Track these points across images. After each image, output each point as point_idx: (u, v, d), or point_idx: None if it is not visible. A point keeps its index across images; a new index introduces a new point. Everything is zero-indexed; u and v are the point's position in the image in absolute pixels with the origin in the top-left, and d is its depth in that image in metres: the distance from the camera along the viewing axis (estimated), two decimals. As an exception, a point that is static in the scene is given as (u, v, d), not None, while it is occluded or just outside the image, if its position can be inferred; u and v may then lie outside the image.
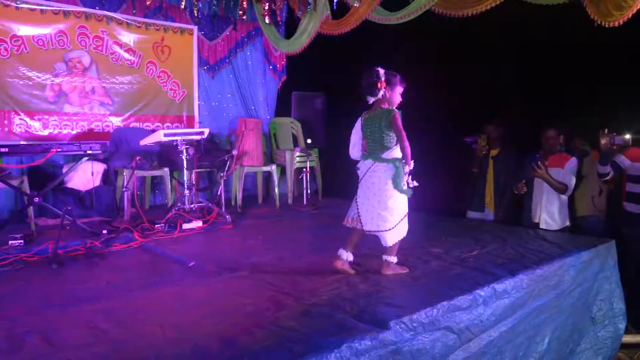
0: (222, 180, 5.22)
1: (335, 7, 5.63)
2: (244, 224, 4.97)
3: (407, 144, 3.12)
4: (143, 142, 4.85)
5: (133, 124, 6.06)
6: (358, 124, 3.34)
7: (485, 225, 4.86)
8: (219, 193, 5.26)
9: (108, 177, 5.34)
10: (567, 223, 4.62)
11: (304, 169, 5.79)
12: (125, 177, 5.12)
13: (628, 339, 3.98)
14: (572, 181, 4.51)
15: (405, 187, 3.13)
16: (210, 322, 2.45)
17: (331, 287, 2.98)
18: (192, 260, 3.58)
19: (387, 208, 3.14)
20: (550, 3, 4.47)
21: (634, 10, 3.87)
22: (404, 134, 3.12)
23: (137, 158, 4.82)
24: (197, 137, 4.86)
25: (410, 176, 3.16)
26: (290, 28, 6.72)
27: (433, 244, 4.01)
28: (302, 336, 2.26)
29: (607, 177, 4.50)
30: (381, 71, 3.16)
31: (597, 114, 5.18)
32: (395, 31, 5.64)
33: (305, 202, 5.74)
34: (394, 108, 3.20)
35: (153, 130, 6.05)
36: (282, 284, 3.05)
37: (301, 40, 6.33)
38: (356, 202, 3.27)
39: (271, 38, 6.79)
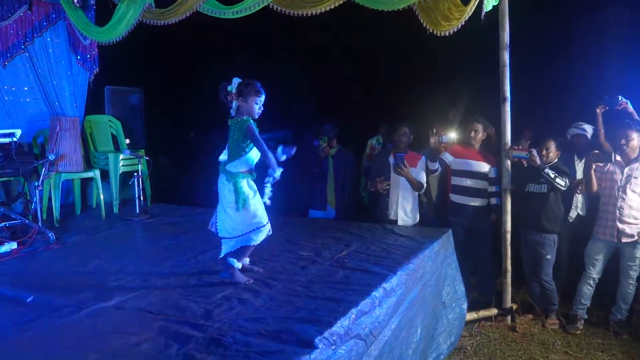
0: (38, 191, 4.34)
1: (166, -6, 5.10)
2: (73, 241, 4.21)
3: (267, 152, 3.06)
4: None
5: None
6: None
7: (333, 222, 4.95)
8: (32, 207, 4.38)
9: None
10: (418, 218, 4.96)
11: (135, 173, 5.16)
12: None
13: (468, 317, 4.45)
14: (425, 178, 4.85)
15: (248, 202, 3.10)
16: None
17: (225, 306, 2.69)
18: (27, 294, 2.89)
19: (232, 218, 3.13)
20: (387, 9, 4.72)
21: (462, 22, 4.30)
22: (261, 143, 3.07)
23: None
24: (6, 140, 3.95)
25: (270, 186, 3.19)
26: (102, 13, 5.89)
27: (299, 247, 3.94)
28: (231, 372, 1.97)
29: (436, 173, 4.98)
30: (232, 83, 3.13)
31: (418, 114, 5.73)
32: (233, 25, 5.39)
33: (138, 211, 5.13)
34: (249, 117, 3.11)
35: None
36: (166, 310, 2.64)
37: (119, 29, 5.59)
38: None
39: (79, 24, 5.86)
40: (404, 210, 4.86)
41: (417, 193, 4.85)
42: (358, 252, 3.76)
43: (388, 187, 4.80)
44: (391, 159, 4.82)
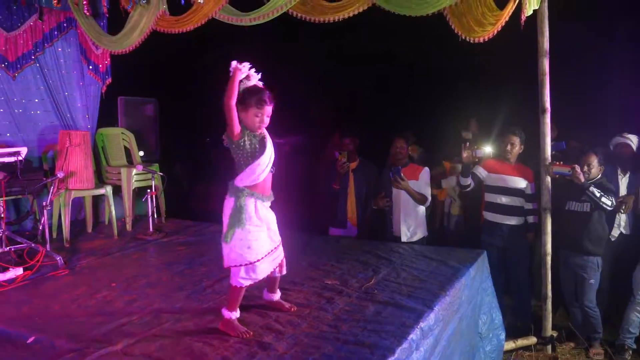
0: (46, 211, 4.10)
1: (183, 1, 4.85)
2: (82, 265, 3.95)
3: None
4: None
5: None
6: None
7: (357, 243, 4.63)
8: (41, 227, 4.14)
9: None
10: (426, 233, 4.67)
11: (149, 190, 4.91)
12: None
13: (505, 346, 4.11)
14: (429, 191, 4.59)
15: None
16: None
17: (244, 352, 2.41)
18: (28, 334, 2.63)
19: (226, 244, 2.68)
20: (415, 14, 4.41)
21: (499, 28, 3.98)
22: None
23: None
24: (11, 160, 3.72)
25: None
26: (114, 21, 5.68)
27: (322, 273, 3.65)
28: None
29: (469, 189, 4.65)
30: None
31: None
32: (246, 32, 5.13)
33: (151, 229, 4.87)
34: (247, 131, 2.67)
35: None
36: (178, 357, 2.35)
37: (132, 37, 5.38)
38: None
39: (91, 33, 5.66)
40: (407, 225, 4.61)
41: (422, 207, 4.56)
42: (388, 281, 3.44)
43: (389, 203, 4.55)
44: (391, 174, 4.57)
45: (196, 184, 7.96)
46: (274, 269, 2.80)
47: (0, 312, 2.96)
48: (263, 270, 2.68)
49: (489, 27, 4.07)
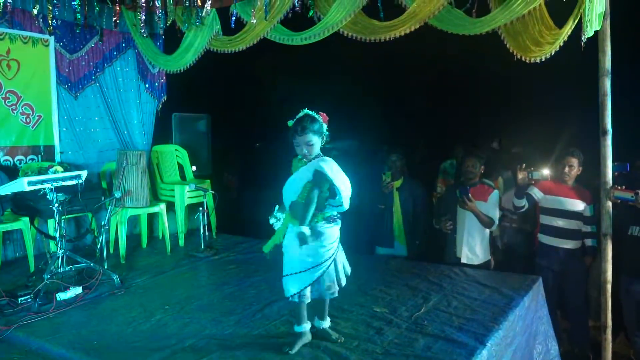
0: (104, 230, 4.26)
1: (233, 24, 4.94)
2: (137, 284, 4.08)
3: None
4: (-4, 192, 3.75)
5: (-28, 159, 4.77)
6: None
7: (406, 264, 4.56)
8: (99, 245, 4.31)
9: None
10: (489, 257, 4.55)
11: (200, 208, 5.01)
12: (-31, 235, 3.94)
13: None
14: (497, 214, 4.46)
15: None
16: None
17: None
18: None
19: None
20: (468, 33, 4.31)
21: (557, 47, 3.83)
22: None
23: (-11, 211, 3.69)
24: (72, 183, 3.88)
25: None
26: (170, 41, 5.85)
27: (371, 299, 3.61)
28: None
29: (523, 210, 4.51)
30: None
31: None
32: (294, 50, 5.16)
33: (203, 246, 4.97)
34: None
35: (0, 167, 4.84)
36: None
37: (187, 57, 5.53)
38: None
39: (147, 53, 5.87)
40: (470, 247, 4.48)
41: (487, 230, 4.43)
42: (438, 310, 3.38)
43: (451, 227, 4.46)
44: (458, 193, 4.46)
45: (246, 191, 8.06)
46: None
47: (61, 335, 3.08)
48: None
49: (546, 46, 3.94)
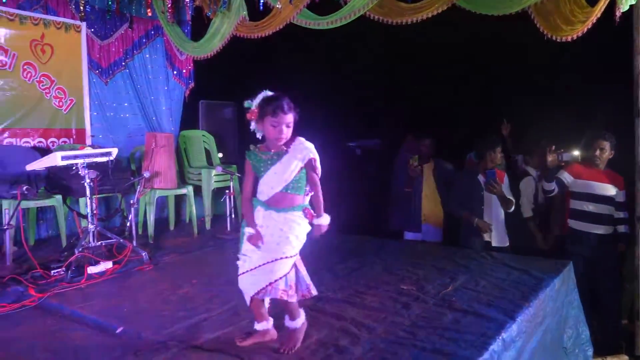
0: (133, 209, 4.33)
1: (262, 7, 4.96)
2: (164, 261, 4.14)
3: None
4: (30, 167, 3.84)
5: (7, 141, 4.88)
6: None
7: (432, 248, 4.53)
8: (128, 223, 4.38)
9: (-23, 210, 4.19)
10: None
11: (227, 190, 5.06)
12: (5, 210, 4.04)
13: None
14: (511, 196, 4.46)
15: None
16: None
17: (320, 354, 2.42)
18: (117, 324, 2.78)
19: None
20: (498, 13, 4.26)
21: (589, 25, 3.76)
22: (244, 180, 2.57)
23: (24, 187, 3.78)
24: (104, 159, 3.96)
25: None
26: (197, 28, 5.92)
27: (397, 278, 3.59)
28: None
29: (552, 194, 4.43)
30: (257, 98, 2.47)
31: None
32: (321, 34, 5.17)
33: (229, 228, 5.02)
34: (249, 152, 2.54)
35: (35, 148, 4.96)
36: (256, 356, 2.39)
37: (213, 43, 5.57)
38: None
39: (175, 40, 5.94)
40: (498, 231, 4.47)
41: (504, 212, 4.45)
42: (466, 288, 3.34)
43: (491, 227, 4.44)
44: (480, 178, 4.45)
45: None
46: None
47: (93, 303, 3.16)
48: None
49: (578, 25, 3.86)
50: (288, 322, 2.53)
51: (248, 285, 2.48)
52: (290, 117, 2.42)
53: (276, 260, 2.40)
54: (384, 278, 3.59)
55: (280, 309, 2.55)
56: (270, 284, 2.38)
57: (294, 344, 2.46)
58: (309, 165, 2.47)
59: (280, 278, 2.39)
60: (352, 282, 3.47)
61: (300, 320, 2.53)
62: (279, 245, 2.42)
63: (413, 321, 2.80)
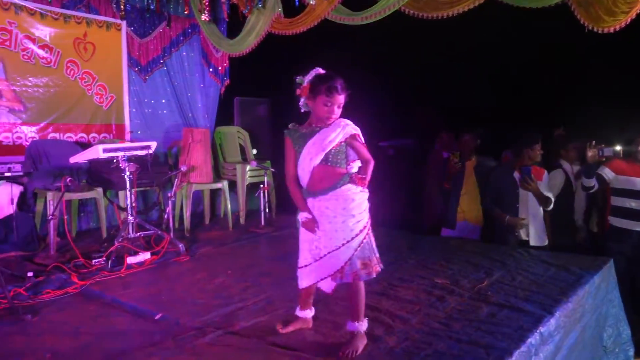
0: (170, 202, 4.43)
1: (297, 3, 5.00)
2: (200, 253, 4.22)
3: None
4: (74, 160, 3.97)
5: (51, 135, 5.06)
6: None
7: (468, 245, 4.46)
8: (165, 216, 4.48)
9: (24, 202, 4.35)
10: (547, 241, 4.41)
11: (261, 185, 5.12)
12: (49, 201, 4.18)
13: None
14: (551, 194, 4.32)
15: None
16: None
17: (354, 344, 2.41)
18: (156, 311, 2.85)
19: None
20: (534, 6, 4.18)
21: (633, 16, 3.66)
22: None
23: (68, 179, 3.91)
24: (143, 153, 4.06)
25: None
26: (233, 26, 6.00)
27: (432, 272, 3.56)
28: None
29: (592, 190, 4.32)
30: (308, 75, 2.44)
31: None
32: (353, 32, 5.17)
33: (263, 222, 5.07)
34: (288, 130, 2.54)
35: (77, 142, 5.12)
36: (292, 343, 2.42)
37: (249, 40, 5.64)
38: None
39: (212, 37, 6.04)
40: (536, 228, 4.33)
41: (542, 211, 4.31)
42: (502, 283, 3.29)
43: (527, 222, 4.30)
44: (516, 174, 4.33)
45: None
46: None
47: (132, 291, 3.25)
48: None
49: (621, 15, 3.76)
50: (350, 325, 2.39)
51: (309, 275, 2.48)
52: (342, 98, 2.41)
53: (339, 248, 2.36)
54: (419, 272, 3.57)
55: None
56: (336, 271, 2.36)
57: (355, 349, 2.30)
58: (354, 140, 2.43)
59: (346, 263, 2.35)
60: (387, 275, 3.44)
61: (364, 324, 2.39)
62: (337, 232, 2.37)
63: (448, 314, 2.78)
